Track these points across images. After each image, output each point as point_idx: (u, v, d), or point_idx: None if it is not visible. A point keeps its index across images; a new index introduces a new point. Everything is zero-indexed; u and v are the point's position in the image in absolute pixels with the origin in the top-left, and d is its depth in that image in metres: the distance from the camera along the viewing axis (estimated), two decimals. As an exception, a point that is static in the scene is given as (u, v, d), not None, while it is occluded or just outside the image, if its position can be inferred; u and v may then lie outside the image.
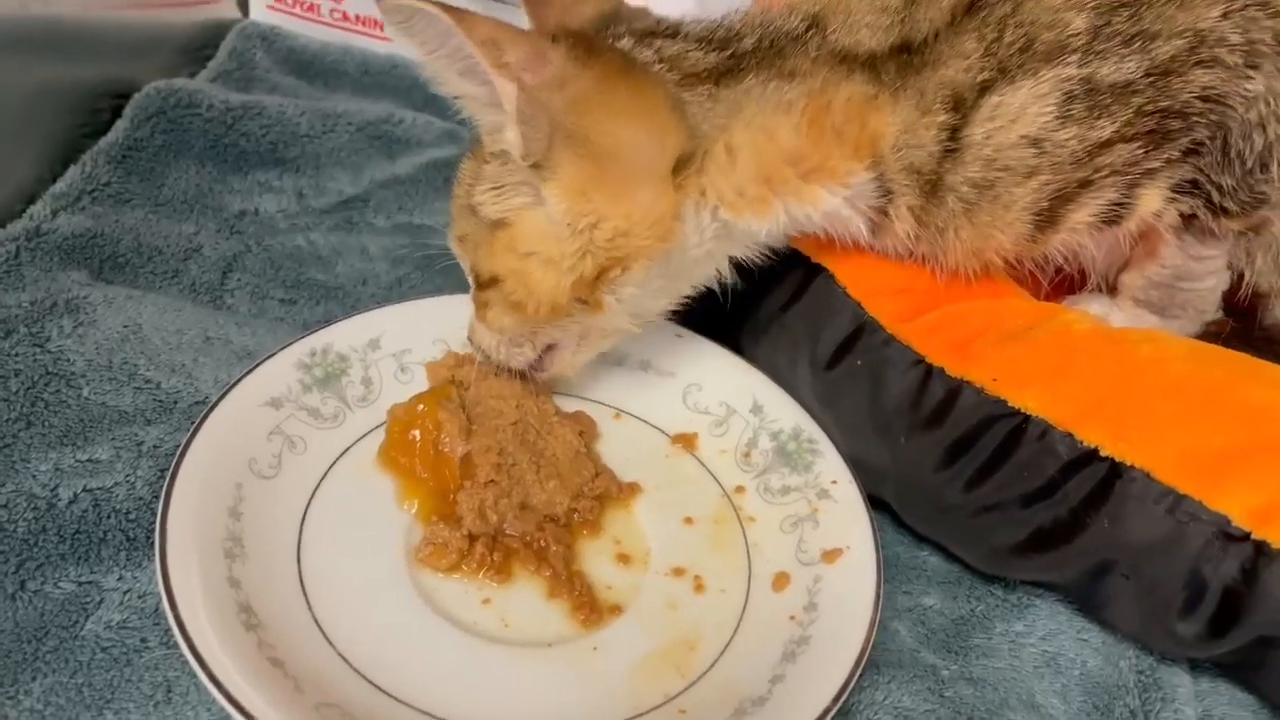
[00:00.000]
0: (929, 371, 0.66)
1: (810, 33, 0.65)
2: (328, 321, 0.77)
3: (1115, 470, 0.60)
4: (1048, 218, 0.66)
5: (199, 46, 1.10)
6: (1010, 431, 0.63)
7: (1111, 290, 0.76)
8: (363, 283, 0.90)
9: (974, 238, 0.67)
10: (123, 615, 0.61)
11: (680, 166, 0.63)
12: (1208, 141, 0.64)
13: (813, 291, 0.72)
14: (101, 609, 0.61)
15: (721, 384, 0.77)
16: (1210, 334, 0.73)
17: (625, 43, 0.65)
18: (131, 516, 0.65)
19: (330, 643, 0.58)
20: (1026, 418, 0.62)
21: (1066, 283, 0.76)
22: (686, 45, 0.65)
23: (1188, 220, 0.68)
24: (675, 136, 0.63)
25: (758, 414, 0.75)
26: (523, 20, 0.68)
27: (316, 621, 0.59)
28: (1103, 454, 0.60)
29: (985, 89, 0.63)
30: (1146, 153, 0.64)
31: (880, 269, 0.71)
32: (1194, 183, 0.66)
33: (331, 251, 0.93)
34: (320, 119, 1.01)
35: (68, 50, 1.02)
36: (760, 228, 0.67)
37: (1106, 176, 0.65)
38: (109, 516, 0.64)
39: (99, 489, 0.65)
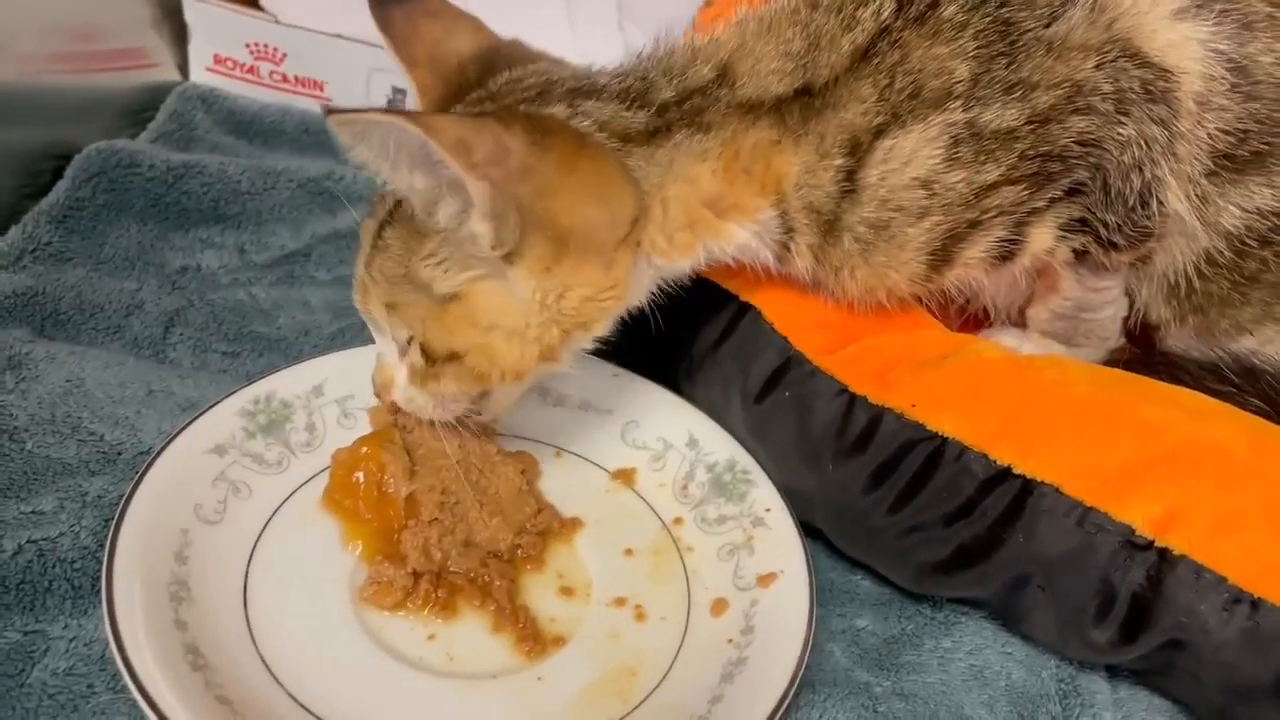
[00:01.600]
0: (852, 400, 0.69)
1: (721, 85, 0.68)
2: (269, 374, 0.79)
3: (1027, 487, 0.63)
4: (941, 256, 0.70)
5: (140, 109, 1.12)
6: (929, 454, 0.66)
7: (1021, 323, 0.81)
8: (305, 334, 0.92)
9: (869, 277, 0.71)
10: (69, 663, 0.61)
11: (630, 227, 0.66)
12: (1089, 182, 0.68)
13: (742, 328, 0.75)
14: (48, 657, 0.61)
15: (659, 420, 0.79)
16: (1112, 360, 0.78)
17: (560, 110, 0.66)
18: (77, 565, 0.66)
19: (278, 681, 0.59)
20: (944, 440, 0.65)
21: (976, 318, 0.80)
22: (613, 106, 0.67)
23: (1080, 255, 0.72)
24: (629, 204, 0.65)
25: (694, 448, 0.77)
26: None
27: (264, 660, 0.60)
28: (1015, 472, 0.64)
29: (880, 133, 0.67)
30: (1031, 194, 0.68)
31: (805, 305, 0.74)
32: (1083, 220, 0.70)
33: (273, 305, 0.94)
34: (261, 176, 1.03)
35: (9, 114, 1.03)
36: (685, 265, 0.70)
37: (995, 217, 0.69)
38: (54, 566, 0.65)
39: (43, 539, 0.66)
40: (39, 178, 0.97)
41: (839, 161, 0.67)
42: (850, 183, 0.68)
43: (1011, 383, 0.67)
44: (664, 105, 0.68)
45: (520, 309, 0.65)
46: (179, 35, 1.17)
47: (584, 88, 0.68)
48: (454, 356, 0.65)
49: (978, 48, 0.67)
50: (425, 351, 0.66)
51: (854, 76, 0.67)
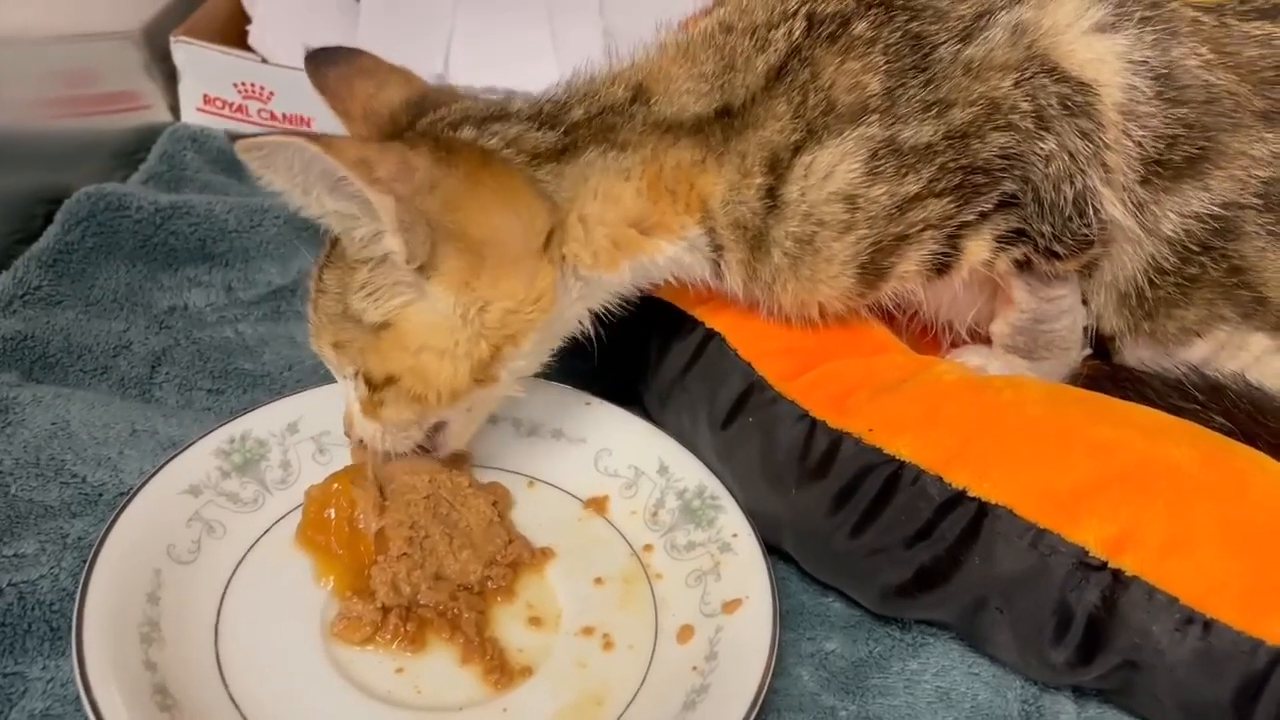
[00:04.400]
0: (813, 425, 0.70)
1: (635, 104, 0.70)
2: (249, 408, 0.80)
3: (983, 509, 0.64)
4: (872, 270, 0.71)
5: (132, 150, 1.15)
6: (888, 478, 0.66)
7: (986, 341, 0.81)
8: (289, 369, 0.93)
9: (799, 290, 0.72)
10: (46, 704, 0.63)
11: (547, 240, 0.68)
12: (1020, 194, 0.69)
13: (708, 355, 0.76)
14: (25, 698, 0.63)
15: (631, 448, 0.80)
16: (1074, 375, 0.78)
17: (469, 132, 0.69)
18: (55, 608, 0.67)
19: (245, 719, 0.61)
20: (901, 464, 0.66)
21: (938, 335, 0.81)
22: (521, 126, 0.69)
23: (1024, 265, 0.72)
24: (541, 215, 0.67)
25: (664, 474, 0.78)
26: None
27: (233, 699, 0.62)
28: (970, 494, 0.64)
29: (798, 149, 0.69)
30: (959, 207, 0.69)
31: (768, 331, 0.75)
32: (1020, 231, 0.70)
33: (259, 341, 0.96)
34: (248, 214, 1.05)
35: (2, 160, 1.06)
36: (614, 281, 0.72)
37: (922, 230, 0.70)
38: (33, 608, 0.67)
39: (24, 582, 0.68)
40: (31, 222, 1.00)
41: (760, 179, 0.69)
42: (773, 199, 0.69)
43: (968, 405, 0.68)
44: (574, 124, 0.70)
45: (446, 326, 0.67)
46: (169, 77, 1.20)
47: (495, 113, 0.71)
48: (390, 381, 0.68)
49: (888, 62, 0.68)
50: (367, 380, 0.69)
51: (769, 95, 0.69)
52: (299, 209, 0.64)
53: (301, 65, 1.16)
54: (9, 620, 0.66)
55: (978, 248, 0.71)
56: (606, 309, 0.74)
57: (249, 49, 1.20)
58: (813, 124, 0.68)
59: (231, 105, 1.19)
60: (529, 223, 0.67)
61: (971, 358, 0.79)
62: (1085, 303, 0.77)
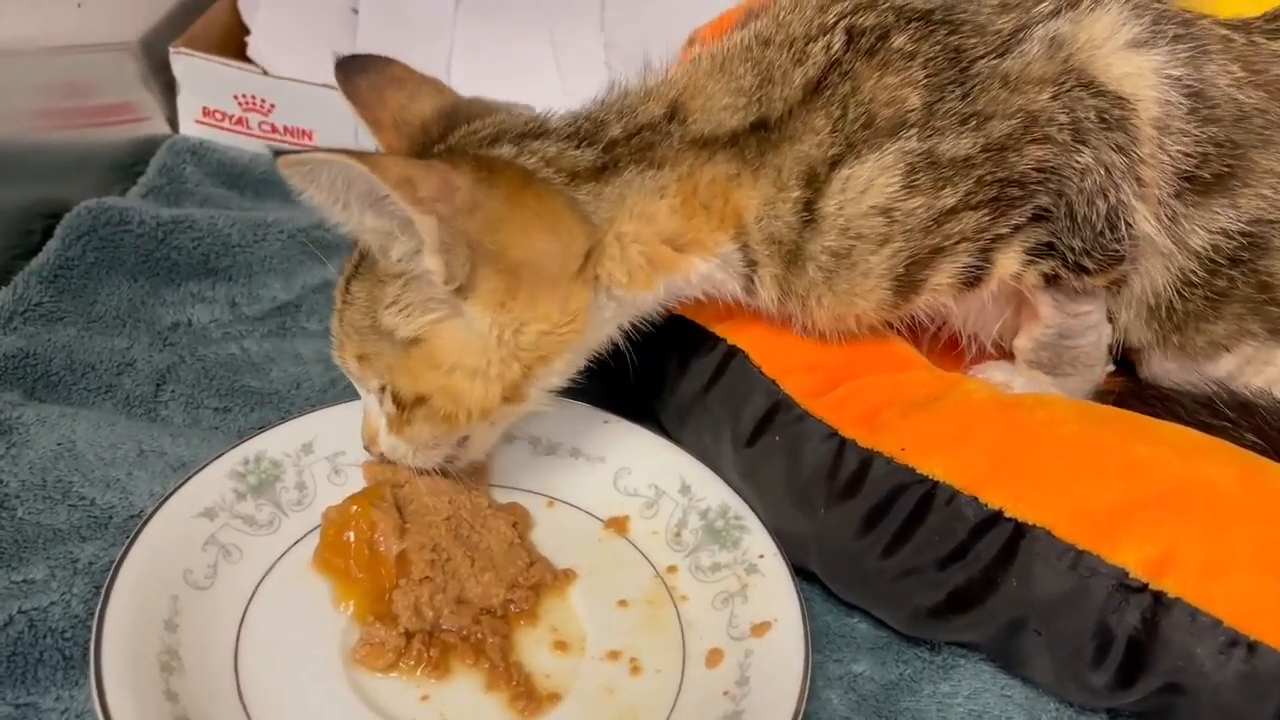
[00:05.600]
0: (842, 444, 0.69)
1: (671, 122, 0.69)
2: (261, 428, 0.78)
3: (1019, 530, 0.63)
4: (907, 283, 0.71)
5: (130, 163, 1.13)
6: (921, 498, 0.65)
7: (1005, 356, 0.81)
8: (296, 387, 0.91)
9: (835, 304, 0.71)
10: (60, 735, 0.61)
11: (584, 261, 0.67)
12: (1053, 208, 0.69)
13: (730, 372, 0.75)
14: (39, 731, 0.61)
15: (650, 466, 0.79)
16: (1103, 393, 0.77)
17: (507, 149, 0.68)
18: (68, 635, 0.65)
19: (270, 750, 0.59)
20: (935, 484, 0.65)
21: (957, 349, 0.80)
22: (560, 144, 0.68)
23: (1052, 279, 0.72)
24: (580, 237, 0.66)
25: (686, 494, 0.77)
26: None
27: (254, 729, 0.60)
28: (1007, 515, 0.63)
29: (836, 163, 0.68)
30: (993, 220, 0.69)
31: (791, 347, 0.74)
32: (1050, 245, 0.70)
33: (265, 358, 0.94)
34: (251, 229, 1.04)
35: (-1, 173, 1.04)
36: (647, 299, 0.71)
37: (958, 243, 0.69)
38: (45, 637, 0.65)
39: (34, 610, 0.66)
40: (29, 237, 0.97)
41: (797, 193, 0.68)
42: (810, 213, 0.69)
43: (1000, 424, 0.67)
44: (612, 142, 0.69)
45: (479, 346, 0.66)
46: (168, 88, 1.18)
47: (532, 130, 0.70)
48: (421, 400, 0.67)
49: (928, 76, 0.68)
50: (395, 398, 0.67)
51: (807, 109, 0.68)
52: (337, 225, 0.63)
53: (303, 77, 1.17)
54: (20, 649, 0.64)
55: (1008, 261, 0.70)
56: (636, 326, 0.72)
57: (248, 61, 1.18)
58: (851, 138, 0.67)
59: (231, 118, 1.17)
60: (568, 245, 0.66)
61: (995, 374, 0.78)
62: (1111, 320, 0.77)
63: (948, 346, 0.81)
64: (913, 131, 0.67)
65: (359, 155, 0.58)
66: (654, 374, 0.82)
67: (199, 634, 0.63)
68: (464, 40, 1.29)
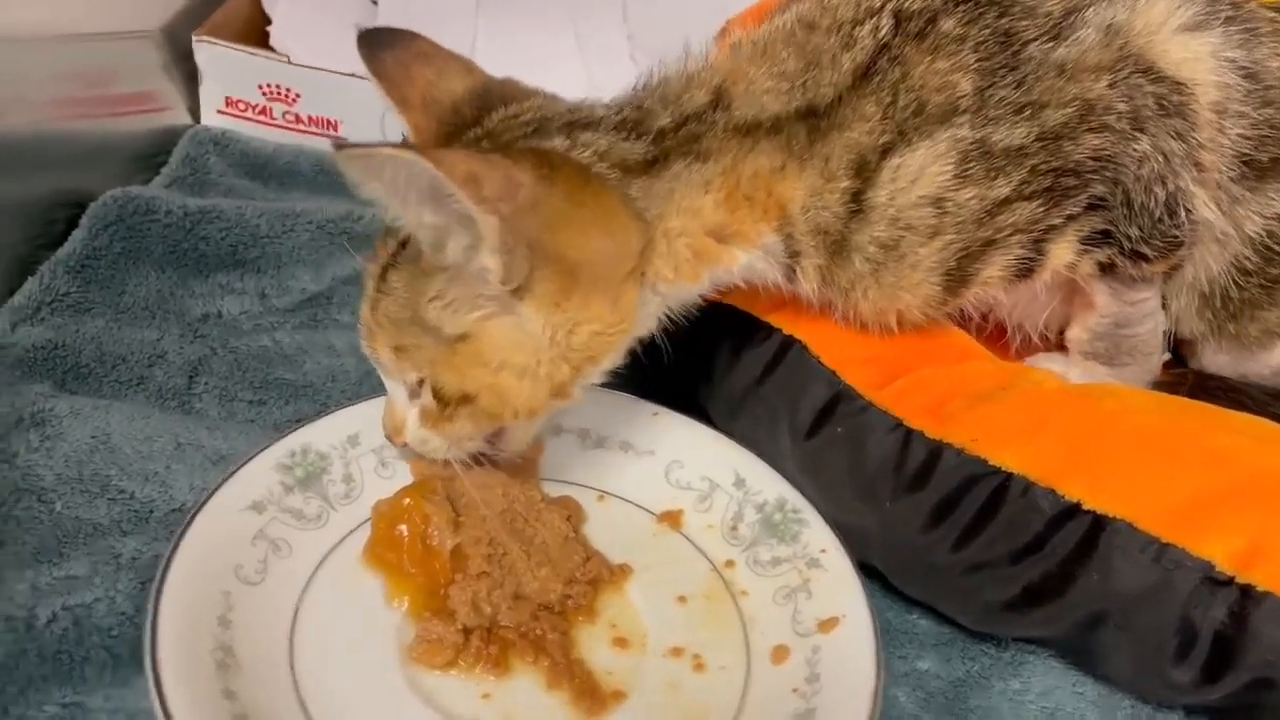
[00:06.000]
0: (908, 435, 0.67)
1: (716, 110, 0.67)
2: (302, 421, 0.76)
3: (1099, 523, 0.61)
4: (957, 277, 0.69)
5: (151, 154, 1.11)
6: (993, 490, 0.64)
7: (1054, 346, 0.79)
8: (332, 379, 0.89)
9: (880, 298, 0.70)
10: (111, 737, 0.59)
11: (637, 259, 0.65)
12: (1109, 196, 0.67)
13: (787, 363, 0.73)
14: (88, 731, 0.59)
15: (702, 459, 0.77)
16: (1168, 385, 0.76)
17: (560, 142, 0.65)
18: (114, 633, 0.63)
19: (332, 750, 0.57)
20: (1008, 476, 0.63)
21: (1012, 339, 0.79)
22: (610, 136, 0.66)
23: (1109, 268, 0.70)
24: (635, 237, 0.64)
25: (741, 487, 0.75)
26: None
27: (316, 729, 0.58)
28: (1085, 507, 0.62)
29: (886, 152, 0.66)
30: (1047, 210, 0.67)
31: (850, 338, 0.73)
32: (1105, 233, 0.69)
33: (298, 350, 0.92)
34: (279, 219, 1.02)
35: (19, 163, 1.01)
36: (691, 292, 0.70)
37: (1010, 235, 0.68)
38: (91, 634, 0.63)
39: (78, 606, 0.64)
40: (52, 227, 0.95)
41: (845, 183, 0.67)
42: (858, 204, 0.67)
43: (1073, 414, 0.66)
44: (661, 132, 0.67)
45: (530, 346, 0.64)
46: (189, 78, 1.16)
47: (580, 120, 0.68)
48: (466, 399, 0.65)
49: (979, 60, 0.66)
50: (437, 394, 0.65)
51: (857, 95, 0.67)
52: (393, 219, 0.61)
53: (327, 66, 1.15)
54: (65, 647, 0.62)
55: (1062, 251, 0.69)
56: (672, 315, 0.71)
57: (272, 50, 1.16)
58: (903, 125, 0.66)
59: (255, 108, 1.15)
60: (625, 245, 0.64)
61: (1052, 365, 0.77)
62: (1164, 306, 0.75)
63: (992, 337, 0.79)
64: (965, 118, 0.65)
65: (425, 153, 0.55)
66: (700, 365, 0.80)
67: (253, 631, 0.61)
68: (486, 30, 1.27)
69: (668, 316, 0.71)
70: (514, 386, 0.65)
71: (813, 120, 0.67)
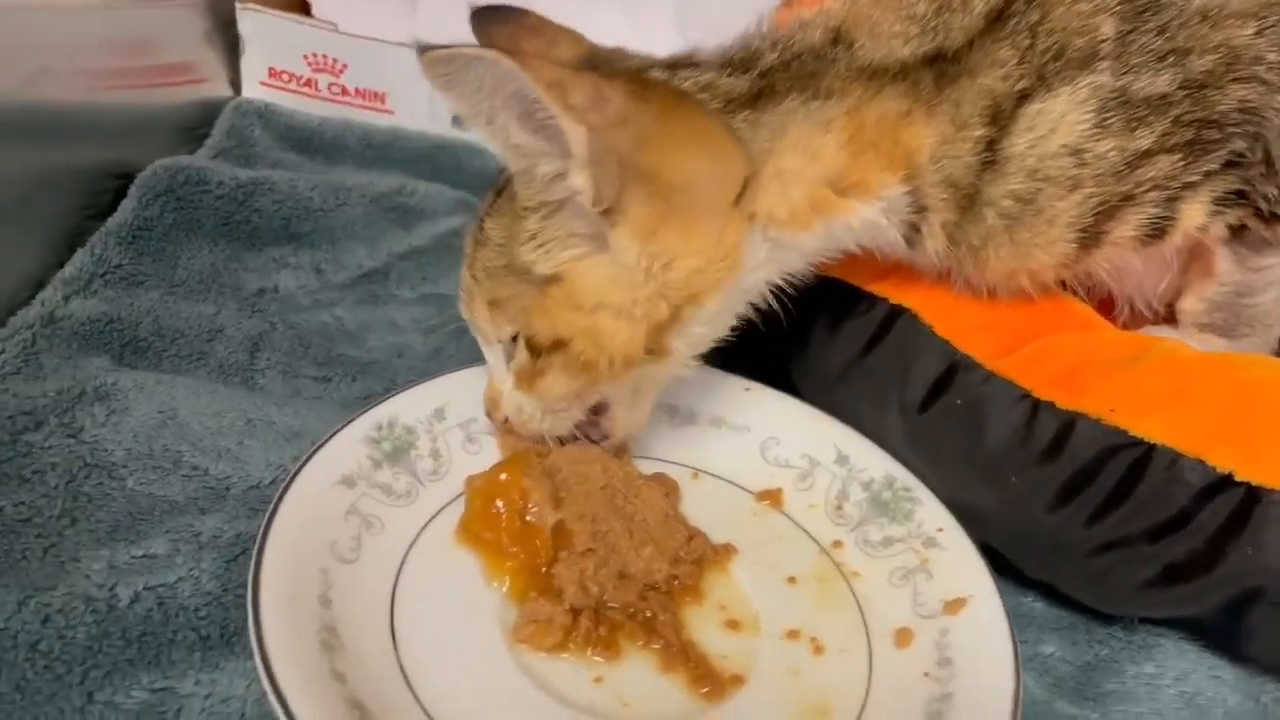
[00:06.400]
0: (1036, 406, 0.64)
1: (836, 48, 0.64)
2: (370, 398, 0.72)
3: (1252, 494, 0.58)
4: (1091, 234, 0.66)
5: (193, 125, 1.07)
6: (1133, 463, 0.60)
7: (1168, 320, 0.76)
8: (398, 356, 0.86)
9: (1013, 256, 0.66)
10: (205, 724, 0.55)
11: (739, 193, 0.62)
12: (1247, 153, 0.64)
13: (896, 333, 0.70)
14: (181, 717, 0.55)
15: (800, 435, 0.74)
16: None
17: (658, 74, 0.64)
18: (201, 614, 0.59)
19: (448, 736, 0.53)
20: (1151, 447, 0.60)
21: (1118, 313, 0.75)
22: (712, 73, 0.64)
23: (1238, 231, 0.67)
24: (737, 163, 0.61)
25: (844, 464, 0.72)
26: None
27: (429, 715, 0.54)
28: (1238, 478, 0.58)
29: (1024, 98, 0.63)
30: (1186, 165, 0.64)
31: (964, 306, 0.69)
32: (1239, 193, 0.65)
33: (360, 326, 0.89)
34: (332, 193, 0.98)
35: (59, 134, 0.97)
36: (807, 246, 0.66)
37: (1148, 191, 0.64)
38: (176, 615, 0.59)
39: (161, 586, 0.59)
40: (100, 197, 0.91)
41: (979, 131, 0.63)
42: (992, 153, 0.64)
43: (1218, 382, 0.62)
44: (767, 69, 0.64)
45: (625, 282, 0.61)
46: (231, 48, 1.12)
47: (682, 60, 0.66)
48: (559, 344, 0.62)
49: (1121, 3, 0.63)
50: (530, 344, 0.63)
51: (990, 39, 0.63)
52: (482, 139, 0.59)
53: (375, 35, 1.11)
54: (150, 629, 0.58)
55: (1195, 211, 0.65)
56: (783, 281, 0.67)
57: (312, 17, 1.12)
58: (1042, 70, 0.62)
59: (300, 79, 1.11)
60: (724, 170, 0.61)
61: (1164, 335, 0.73)
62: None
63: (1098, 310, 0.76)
64: (1105, 64, 0.62)
65: (510, 53, 0.53)
66: (793, 339, 0.76)
67: (353, 611, 0.57)
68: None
69: (779, 284, 0.67)
70: (609, 328, 0.61)
71: (940, 65, 0.64)
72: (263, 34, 1.09)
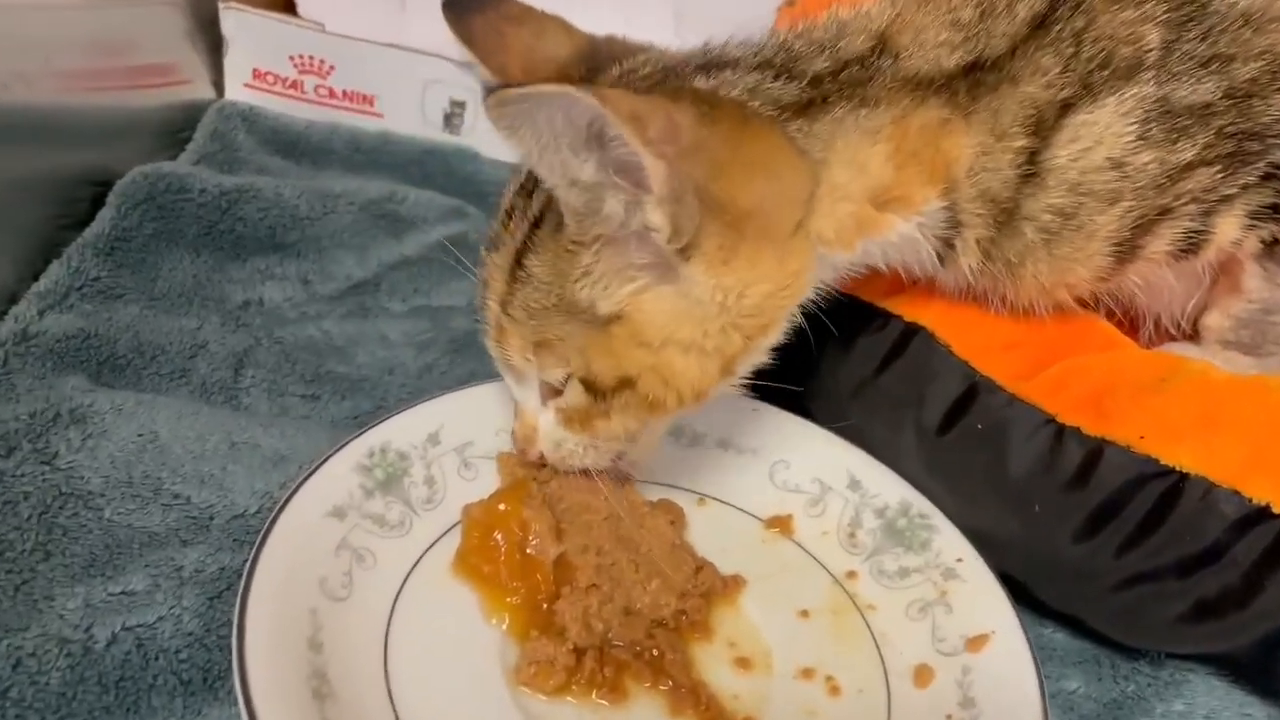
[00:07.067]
0: (1061, 431, 0.61)
1: (881, 57, 0.61)
2: (361, 418, 0.69)
3: (1291, 528, 0.55)
4: (1126, 248, 0.63)
5: (175, 129, 1.03)
6: (1164, 492, 0.58)
7: (1190, 337, 0.73)
8: (389, 372, 0.82)
9: (1051, 271, 0.63)
10: (187, 777, 0.51)
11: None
12: None
13: (911, 352, 0.67)
14: (161, 771, 0.51)
15: (811, 459, 0.71)
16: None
17: (703, 82, 0.59)
18: (182, 656, 0.56)
19: (445, 790, 0.50)
20: (1183, 476, 0.57)
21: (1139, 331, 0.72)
22: (755, 76, 0.59)
23: (1270, 246, 0.65)
24: (804, 180, 0.57)
25: (856, 489, 0.69)
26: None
27: (426, 767, 0.51)
28: (1275, 511, 0.56)
29: (1067, 108, 0.60)
30: (1224, 177, 0.61)
31: (982, 324, 0.66)
32: (1275, 206, 0.63)
33: (348, 341, 0.85)
34: (319, 200, 0.94)
35: (34, 139, 0.93)
36: (840, 263, 0.63)
37: (1186, 204, 0.62)
38: (156, 658, 0.55)
39: (140, 626, 0.56)
40: (76, 206, 0.87)
41: (1020, 142, 0.60)
42: (1033, 165, 0.60)
43: (1251, 407, 0.59)
44: (818, 76, 0.60)
45: (696, 316, 0.57)
46: (213, 48, 1.08)
47: (715, 60, 0.61)
48: (625, 384, 0.57)
49: (1167, 10, 0.60)
50: (590, 386, 0.58)
51: (1034, 45, 0.60)
52: (543, 179, 0.54)
53: (363, 35, 1.07)
54: (129, 673, 0.54)
55: (1229, 225, 0.63)
56: (813, 297, 0.64)
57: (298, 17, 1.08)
58: (1087, 79, 0.59)
59: (285, 80, 1.07)
60: (796, 190, 0.57)
61: (1187, 354, 0.71)
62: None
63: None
64: (1149, 74, 0.59)
65: (588, 88, 0.48)
66: (799, 357, 0.73)
67: (345, 654, 0.54)
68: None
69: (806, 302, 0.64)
70: (679, 365, 0.57)
71: (978, 74, 0.60)
72: (247, 34, 1.05)
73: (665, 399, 0.58)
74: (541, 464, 0.62)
